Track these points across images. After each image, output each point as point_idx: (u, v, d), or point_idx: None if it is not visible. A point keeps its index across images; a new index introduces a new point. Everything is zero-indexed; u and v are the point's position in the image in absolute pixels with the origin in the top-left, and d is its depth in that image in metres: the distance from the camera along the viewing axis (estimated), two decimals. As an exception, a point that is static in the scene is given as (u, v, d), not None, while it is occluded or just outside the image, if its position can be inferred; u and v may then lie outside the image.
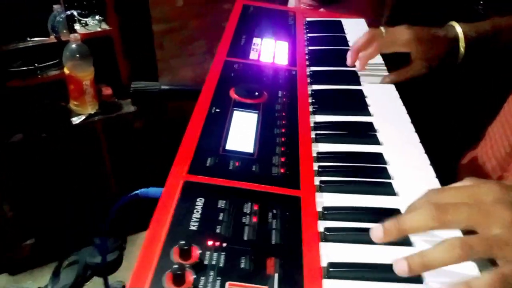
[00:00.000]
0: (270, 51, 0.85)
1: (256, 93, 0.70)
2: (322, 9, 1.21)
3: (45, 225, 1.53)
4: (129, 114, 1.53)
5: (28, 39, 1.47)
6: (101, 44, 1.52)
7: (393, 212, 0.49)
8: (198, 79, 2.09)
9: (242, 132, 0.61)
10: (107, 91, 1.53)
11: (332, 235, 0.46)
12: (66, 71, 1.42)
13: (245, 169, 0.54)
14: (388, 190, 0.52)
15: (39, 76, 1.46)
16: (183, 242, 0.41)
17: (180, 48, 2.11)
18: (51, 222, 1.54)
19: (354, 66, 0.80)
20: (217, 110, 0.65)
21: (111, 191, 1.69)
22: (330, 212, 0.49)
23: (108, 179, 1.68)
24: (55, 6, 1.50)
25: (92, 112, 1.47)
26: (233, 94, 0.69)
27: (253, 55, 0.83)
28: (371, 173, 0.55)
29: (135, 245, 1.65)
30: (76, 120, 1.45)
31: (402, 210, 0.50)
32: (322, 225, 0.48)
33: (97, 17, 1.57)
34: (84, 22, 1.54)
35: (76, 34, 1.42)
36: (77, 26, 1.53)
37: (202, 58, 2.17)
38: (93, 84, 1.45)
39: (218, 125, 0.61)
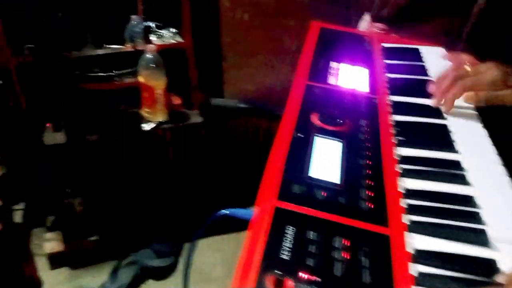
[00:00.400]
0: (349, 76, 0.85)
1: (339, 121, 0.69)
2: (394, 34, 1.19)
3: (110, 224, 1.60)
4: (197, 124, 1.57)
5: (105, 45, 1.56)
6: (174, 55, 1.59)
7: (488, 263, 0.47)
8: (257, 93, 2.12)
9: (327, 160, 0.61)
10: (177, 100, 1.59)
11: (427, 282, 0.45)
12: (140, 79, 1.49)
13: (332, 200, 0.54)
14: (482, 238, 0.50)
15: (116, 82, 1.55)
16: (279, 272, 0.41)
17: (242, 60, 2.15)
18: (115, 222, 1.61)
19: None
20: (300, 135, 0.65)
21: (175, 198, 1.73)
22: (424, 257, 0.48)
23: (172, 185, 1.72)
24: (133, 17, 1.58)
25: (162, 120, 1.53)
26: (315, 120, 0.69)
27: (331, 80, 0.83)
28: (464, 217, 0.53)
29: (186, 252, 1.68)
30: (146, 126, 1.51)
31: (497, 260, 0.48)
32: (413, 268, 0.47)
33: (171, 29, 1.64)
34: (160, 33, 1.61)
35: (152, 45, 1.49)
36: (152, 37, 1.61)
37: (263, 72, 2.20)
38: (165, 93, 1.51)
39: (302, 151, 0.62)
